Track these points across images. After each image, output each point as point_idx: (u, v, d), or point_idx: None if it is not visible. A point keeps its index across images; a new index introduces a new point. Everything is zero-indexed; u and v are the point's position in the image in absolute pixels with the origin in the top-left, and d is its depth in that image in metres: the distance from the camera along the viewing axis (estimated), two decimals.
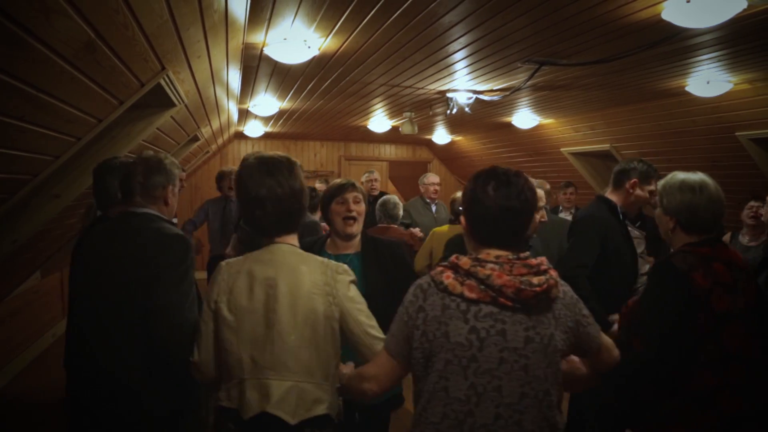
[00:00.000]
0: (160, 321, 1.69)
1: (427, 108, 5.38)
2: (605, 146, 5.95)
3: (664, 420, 1.67)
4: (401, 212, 4.18)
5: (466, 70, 3.85)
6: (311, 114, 6.06)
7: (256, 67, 3.74)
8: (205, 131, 5.21)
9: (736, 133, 4.50)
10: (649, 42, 2.97)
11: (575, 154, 6.58)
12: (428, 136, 8.43)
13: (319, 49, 3.22)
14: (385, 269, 2.16)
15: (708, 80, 3.94)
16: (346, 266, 1.60)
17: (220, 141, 7.33)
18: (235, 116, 6.06)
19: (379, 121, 6.63)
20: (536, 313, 1.33)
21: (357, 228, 2.18)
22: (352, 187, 2.20)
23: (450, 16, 2.65)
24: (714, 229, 1.80)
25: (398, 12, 2.59)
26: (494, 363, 1.30)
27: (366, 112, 5.97)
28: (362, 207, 2.20)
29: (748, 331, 1.71)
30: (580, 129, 6.02)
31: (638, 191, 2.60)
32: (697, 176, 1.83)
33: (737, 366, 1.66)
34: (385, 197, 4.11)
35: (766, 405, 1.69)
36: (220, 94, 4.09)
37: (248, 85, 4.39)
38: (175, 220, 2.06)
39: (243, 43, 3.12)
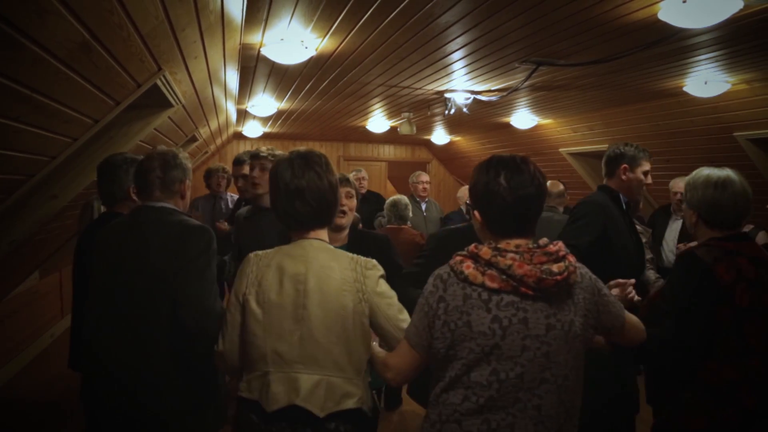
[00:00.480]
0: (187, 309, 1.72)
1: (426, 108, 5.39)
2: (604, 146, 5.94)
3: (684, 409, 1.70)
4: (410, 213, 4.19)
5: (463, 71, 3.85)
6: (309, 114, 6.06)
7: (254, 68, 3.75)
8: (203, 132, 5.21)
9: (735, 134, 4.50)
10: (646, 42, 2.97)
11: (574, 155, 6.58)
12: (427, 137, 8.43)
13: (316, 50, 3.22)
14: None
15: (706, 80, 3.94)
16: (375, 261, 1.62)
17: (218, 141, 7.33)
18: (233, 117, 6.07)
19: (378, 122, 6.63)
20: (557, 301, 1.34)
21: (346, 221, 2.30)
22: (345, 182, 2.29)
23: (447, 16, 2.65)
24: (738, 225, 1.82)
25: (395, 12, 2.59)
26: (517, 351, 1.32)
27: (364, 113, 5.97)
28: (353, 202, 2.34)
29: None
30: (578, 129, 6.02)
31: (630, 175, 2.59)
32: (722, 172, 1.86)
33: (758, 361, 1.67)
34: (395, 198, 4.13)
35: None
36: (218, 94, 4.09)
37: (246, 86, 4.40)
38: None
39: (240, 44, 3.12)
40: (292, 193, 1.57)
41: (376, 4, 2.49)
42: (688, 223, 1.94)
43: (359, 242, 2.33)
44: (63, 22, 1.38)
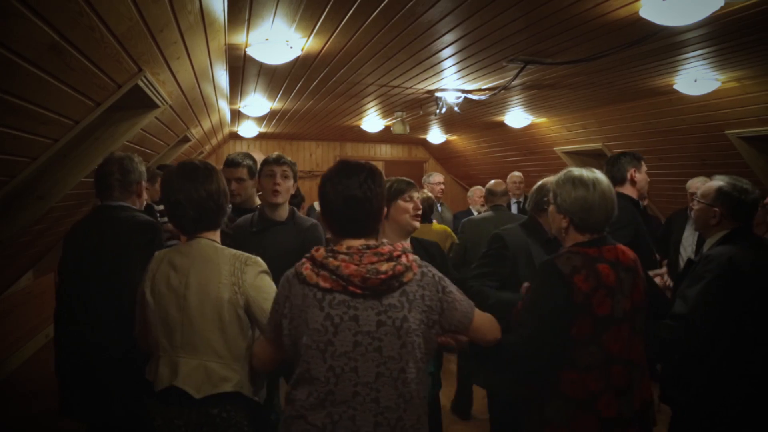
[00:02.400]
0: (128, 295, 1.91)
1: (418, 108, 5.38)
2: (597, 145, 5.95)
3: (548, 420, 1.66)
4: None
5: (452, 70, 3.85)
6: (303, 114, 6.06)
7: (242, 68, 3.75)
8: (196, 132, 5.22)
9: (726, 132, 4.49)
10: (629, 41, 2.96)
11: (568, 153, 6.57)
12: (423, 136, 8.43)
13: (302, 50, 3.23)
14: (436, 267, 2.31)
15: (695, 78, 3.93)
16: (257, 258, 1.75)
17: (214, 141, 7.34)
18: (227, 117, 6.07)
19: (372, 121, 6.64)
20: (388, 298, 1.43)
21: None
22: (414, 186, 2.36)
23: (429, 15, 2.65)
24: (605, 228, 1.75)
25: (376, 12, 2.59)
26: (349, 346, 1.42)
27: (358, 112, 5.98)
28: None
29: (632, 334, 1.68)
30: (572, 128, 6.01)
31: (639, 175, 2.81)
32: (592, 172, 1.77)
33: (620, 369, 1.64)
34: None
35: (643, 408, 1.68)
36: (208, 95, 4.10)
37: (236, 86, 4.40)
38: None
39: (226, 44, 3.12)
40: (173, 205, 1.74)
41: (356, 4, 2.49)
42: (556, 228, 1.81)
43: (422, 249, 2.33)
44: (27, 23, 1.38)
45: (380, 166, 9.63)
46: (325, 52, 3.34)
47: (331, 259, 1.43)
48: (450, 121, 6.66)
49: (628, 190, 2.86)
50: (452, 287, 1.55)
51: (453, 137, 8.42)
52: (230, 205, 3.03)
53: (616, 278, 1.66)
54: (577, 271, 1.63)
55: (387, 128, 6.99)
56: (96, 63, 1.95)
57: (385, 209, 1.59)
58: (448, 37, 3.04)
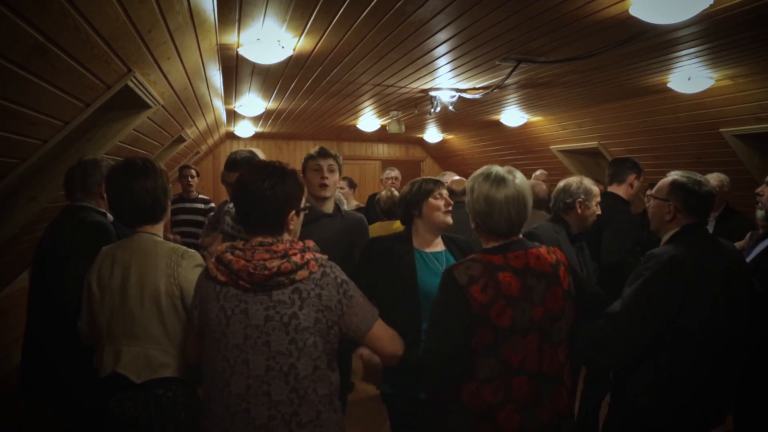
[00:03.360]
0: (72, 290, 1.99)
1: (413, 107, 5.38)
2: (593, 143, 5.95)
3: (450, 430, 1.60)
4: None
5: (446, 69, 3.85)
6: (299, 114, 6.06)
7: (235, 68, 3.75)
8: (191, 132, 5.21)
9: (720, 130, 4.49)
10: (620, 39, 2.96)
11: (564, 152, 6.57)
12: (420, 135, 8.43)
13: (294, 49, 3.23)
14: None
15: (689, 77, 3.93)
16: (194, 252, 1.85)
17: (210, 142, 7.33)
18: (223, 117, 6.07)
19: (368, 121, 6.63)
20: (278, 294, 1.48)
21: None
22: (441, 184, 2.40)
23: (419, 14, 2.64)
24: (514, 233, 1.65)
25: (366, 11, 2.59)
26: (240, 339, 1.48)
27: (353, 112, 5.97)
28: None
29: (544, 344, 1.58)
30: (567, 126, 6.01)
31: (636, 184, 3.03)
32: (506, 171, 1.67)
33: (521, 380, 1.56)
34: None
35: (555, 422, 1.60)
36: (202, 95, 4.10)
37: (230, 86, 4.40)
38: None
39: (217, 44, 3.12)
40: (113, 199, 1.86)
41: (345, 4, 2.49)
42: (475, 231, 1.73)
43: (456, 247, 2.38)
44: (9, 24, 1.38)
45: (378, 165, 9.66)
46: (317, 52, 3.34)
47: (227, 254, 1.51)
48: (446, 120, 6.66)
49: (621, 191, 3.02)
50: (356, 292, 1.57)
51: (450, 136, 8.41)
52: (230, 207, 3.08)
53: (520, 287, 1.56)
54: (474, 281, 1.55)
55: (383, 127, 6.99)
56: (83, 64, 1.95)
57: (292, 211, 1.59)
58: (440, 36, 3.04)
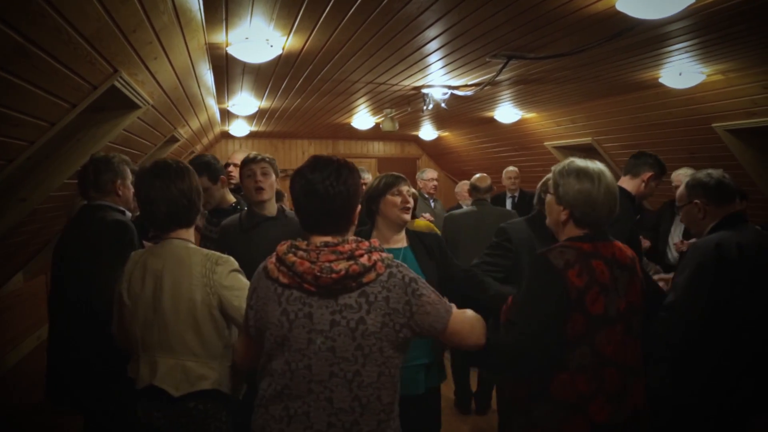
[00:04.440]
0: (98, 293, 1.96)
1: (406, 104, 5.38)
2: (587, 139, 5.94)
3: (535, 423, 1.58)
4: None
5: (437, 66, 3.85)
6: (292, 112, 6.05)
7: (225, 67, 3.74)
8: (184, 132, 5.20)
9: (713, 125, 4.48)
10: (608, 34, 2.95)
11: (559, 148, 6.57)
12: (415, 133, 8.42)
13: (283, 48, 3.22)
14: (435, 260, 2.34)
15: (680, 72, 3.93)
16: (228, 257, 1.77)
17: (205, 141, 7.32)
18: (217, 116, 6.06)
19: (362, 119, 6.63)
20: (344, 298, 1.40)
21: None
22: (405, 181, 2.39)
23: (407, 11, 2.64)
24: (606, 224, 1.67)
25: (353, 9, 2.59)
26: (303, 343, 1.40)
27: (347, 110, 5.97)
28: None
29: (627, 336, 1.60)
30: (561, 123, 6.01)
31: (652, 184, 2.84)
32: (596, 164, 1.69)
33: (612, 371, 1.56)
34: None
35: (635, 415, 1.61)
36: (194, 94, 4.09)
37: (222, 85, 4.39)
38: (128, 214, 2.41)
39: (206, 44, 3.11)
40: (143, 202, 1.77)
41: (332, 2, 2.48)
42: (553, 220, 1.73)
43: (419, 242, 2.38)
44: None
45: (373, 163, 9.65)
46: (307, 50, 3.33)
47: (290, 255, 1.42)
48: (441, 118, 6.66)
49: (629, 185, 2.84)
50: (426, 290, 1.47)
51: (445, 133, 8.41)
52: (206, 211, 3.08)
53: (610, 276, 1.57)
54: (571, 266, 1.54)
55: (378, 125, 6.98)
56: (66, 64, 1.94)
57: (358, 206, 1.53)
58: (430, 33, 3.03)
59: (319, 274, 1.37)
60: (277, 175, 2.68)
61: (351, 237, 1.48)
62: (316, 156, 1.52)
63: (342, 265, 1.38)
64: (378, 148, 9.74)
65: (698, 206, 2.11)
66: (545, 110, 5.85)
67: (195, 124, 5.42)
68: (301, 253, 1.42)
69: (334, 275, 1.37)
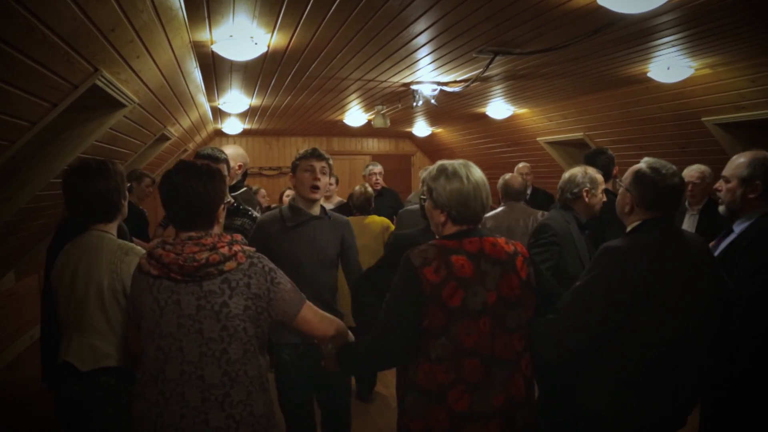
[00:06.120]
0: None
1: (396, 101, 5.37)
2: (579, 134, 5.94)
3: (405, 411, 1.66)
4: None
5: (425, 62, 3.84)
6: (284, 110, 6.05)
7: (213, 65, 3.73)
8: (175, 130, 5.20)
9: (702, 119, 4.48)
10: (592, 29, 2.95)
11: (551, 143, 6.57)
12: (409, 129, 8.41)
13: (268, 45, 3.21)
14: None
15: (668, 66, 3.92)
16: (139, 249, 1.91)
17: (198, 139, 7.31)
18: (209, 114, 6.05)
19: (354, 116, 6.62)
20: (208, 285, 1.56)
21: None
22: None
23: (389, 7, 2.63)
24: (481, 218, 1.69)
25: (334, 6, 2.58)
26: (173, 328, 1.57)
27: (339, 107, 5.96)
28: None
29: (498, 329, 1.60)
30: (553, 118, 6.01)
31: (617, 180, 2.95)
32: (463, 164, 1.70)
33: (473, 362, 1.58)
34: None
35: (508, 407, 1.61)
36: (182, 92, 4.08)
37: (211, 83, 4.38)
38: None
39: (191, 42, 3.10)
40: (68, 199, 1.93)
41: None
42: (434, 224, 1.74)
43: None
44: None
45: (367, 160, 9.64)
46: (293, 48, 3.32)
47: (158, 249, 1.59)
48: (433, 114, 6.65)
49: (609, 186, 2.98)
50: (283, 279, 1.65)
51: (438, 130, 8.41)
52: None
53: (473, 270, 1.60)
54: (428, 263, 1.60)
55: (369, 122, 6.98)
56: (44, 64, 1.94)
57: (220, 207, 1.68)
58: (416, 29, 3.03)
59: (183, 263, 1.53)
60: (330, 178, 2.68)
61: (214, 232, 1.65)
62: (182, 160, 1.71)
63: (204, 255, 1.55)
64: (372, 144, 9.74)
65: (628, 199, 1.87)
66: (537, 105, 5.84)
67: (186, 123, 5.41)
68: (168, 246, 1.59)
69: (195, 263, 1.53)
